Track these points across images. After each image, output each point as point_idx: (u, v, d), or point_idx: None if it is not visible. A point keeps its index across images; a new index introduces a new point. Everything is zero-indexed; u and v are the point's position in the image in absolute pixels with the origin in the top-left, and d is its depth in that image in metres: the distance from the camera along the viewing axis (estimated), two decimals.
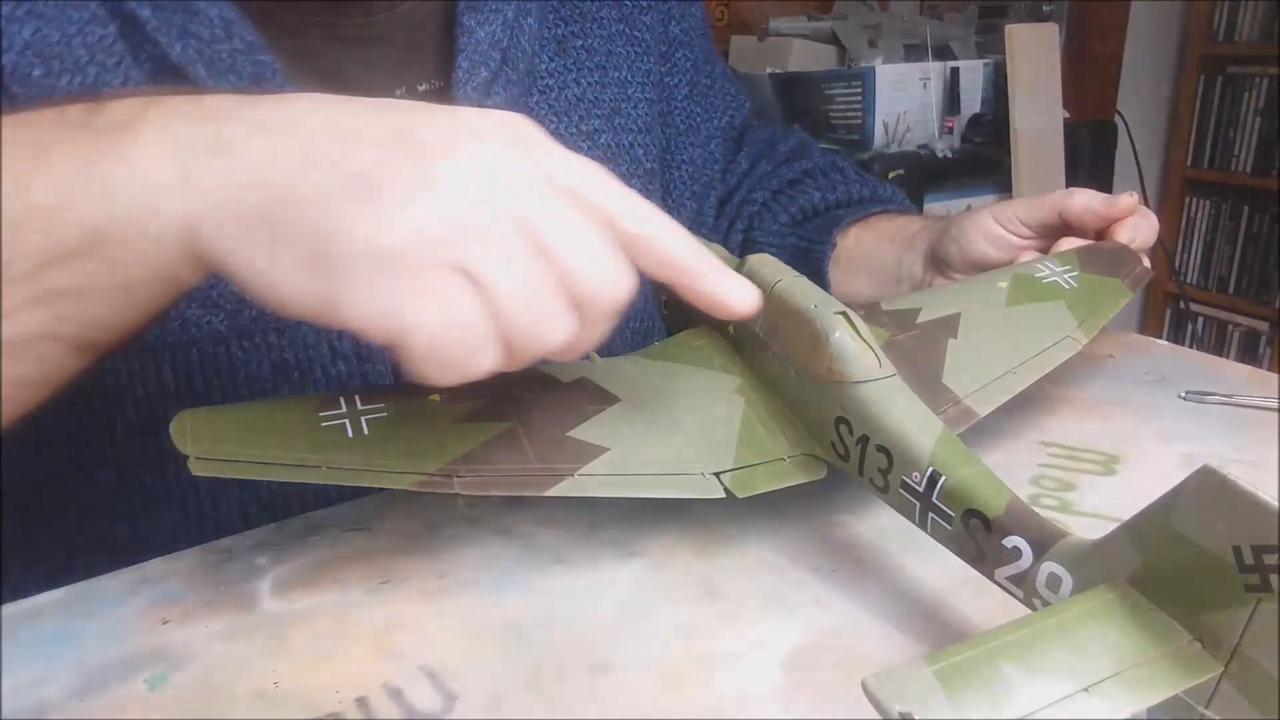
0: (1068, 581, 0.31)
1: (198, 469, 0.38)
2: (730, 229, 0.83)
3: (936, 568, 0.40)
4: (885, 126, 2.03)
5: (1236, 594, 0.26)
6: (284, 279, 0.34)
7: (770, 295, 0.45)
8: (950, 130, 2.14)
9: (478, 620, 0.40)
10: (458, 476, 0.40)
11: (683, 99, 0.76)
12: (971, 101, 2.16)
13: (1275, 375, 0.59)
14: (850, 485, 0.44)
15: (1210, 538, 0.26)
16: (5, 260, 0.34)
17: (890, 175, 1.94)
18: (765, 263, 0.47)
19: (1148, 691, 0.26)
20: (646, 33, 0.71)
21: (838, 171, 0.83)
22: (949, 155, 2.08)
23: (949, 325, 0.51)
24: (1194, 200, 2.72)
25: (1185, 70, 2.65)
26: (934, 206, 2.00)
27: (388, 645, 0.38)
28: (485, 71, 0.59)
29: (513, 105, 0.60)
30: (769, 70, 2.16)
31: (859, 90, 2.04)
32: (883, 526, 0.44)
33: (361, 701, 0.35)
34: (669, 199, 0.77)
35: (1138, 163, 2.52)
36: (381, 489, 0.47)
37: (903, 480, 0.38)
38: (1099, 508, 0.46)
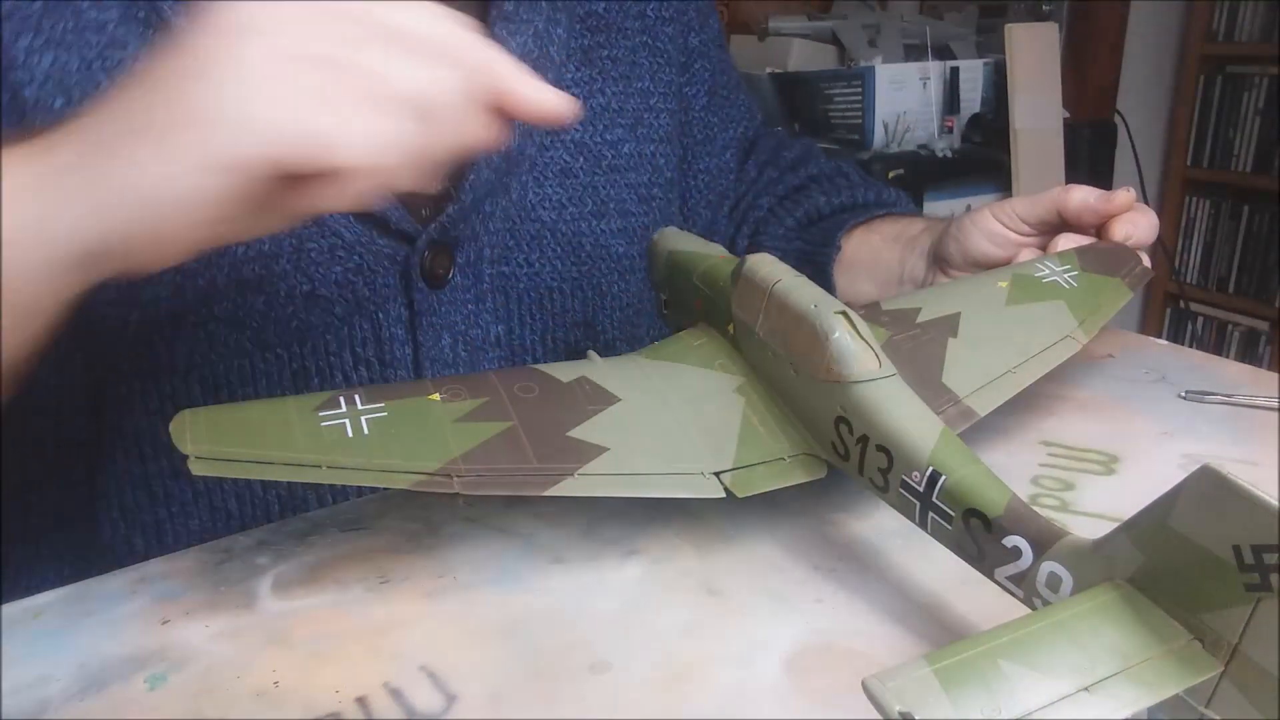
0: (1068, 581, 0.31)
1: (197, 468, 0.38)
2: (737, 234, 0.84)
3: (936, 567, 0.40)
4: (885, 126, 2.03)
5: (1236, 593, 0.26)
6: (176, 189, 0.35)
7: (770, 295, 0.45)
8: (950, 130, 2.14)
9: (477, 619, 0.40)
10: (457, 476, 0.40)
11: (700, 109, 0.77)
12: (971, 101, 2.16)
13: (1275, 375, 0.59)
14: (850, 485, 0.44)
15: (1210, 537, 0.26)
16: None
17: (890, 175, 1.94)
18: (765, 263, 0.47)
19: (1148, 691, 0.26)
20: (669, 43, 0.72)
21: (842, 176, 0.84)
22: (949, 155, 2.08)
23: (949, 325, 0.51)
24: (1194, 200, 2.72)
25: (1185, 70, 2.65)
26: (934, 206, 2.00)
27: (388, 645, 0.38)
28: None
29: None
30: (769, 70, 2.16)
31: (859, 90, 2.04)
32: (883, 526, 0.44)
33: (361, 701, 0.35)
34: (686, 208, 0.78)
35: (1138, 163, 2.52)
36: (381, 488, 0.48)
37: (903, 480, 0.38)
38: (1099, 508, 0.46)
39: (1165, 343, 0.67)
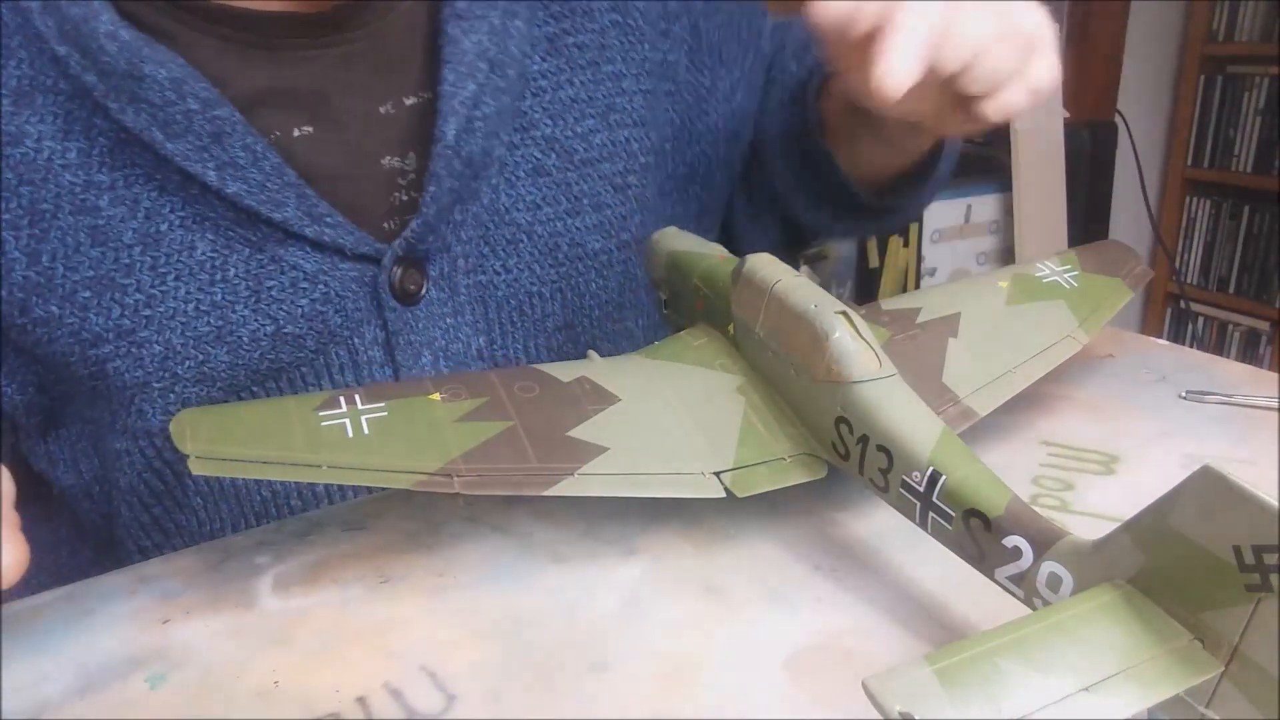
0: (1068, 581, 0.31)
1: (197, 468, 0.38)
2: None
3: (936, 567, 0.40)
4: None
5: (1237, 594, 0.26)
6: None
7: (770, 295, 0.45)
8: None
9: (477, 619, 0.40)
10: (457, 476, 0.40)
11: (685, 71, 0.70)
12: None
13: (1275, 375, 0.59)
14: (850, 484, 0.44)
15: (1210, 537, 0.26)
16: None
17: None
18: (765, 263, 0.47)
19: (1148, 691, 0.26)
20: (640, 17, 0.67)
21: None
22: None
23: (949, 325, 0.51)
24: (1194, 200, 2.72)
25: (1185, 70, 2.65)
26: (934, 206, 2.00)
27: (387, 644, 0.38)
28: (473, 84, 0.56)
29: (504, 112, 0.59)
30: None
31: None
32: (883, 526, 0.44)
33: (361, 701, 0.35)
34: (697, 178, 0.72)
35: (1138, 163, 2.52)
36: (381, 488, 0.48)
37: (903, 480, 0.38)
38: (1099, 508, 0.46)
39: (1165, 343, 0.66)
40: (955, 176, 0.75)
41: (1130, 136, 2.51)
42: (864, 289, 2.36)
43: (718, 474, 0.43)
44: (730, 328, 0.49)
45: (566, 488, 0.41)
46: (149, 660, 0.38)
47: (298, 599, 0.41)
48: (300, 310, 0.55)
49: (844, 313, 0.42)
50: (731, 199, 0.78)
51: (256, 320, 0.55)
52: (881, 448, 0.39)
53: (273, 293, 0.55)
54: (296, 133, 0.55)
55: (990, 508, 0.34)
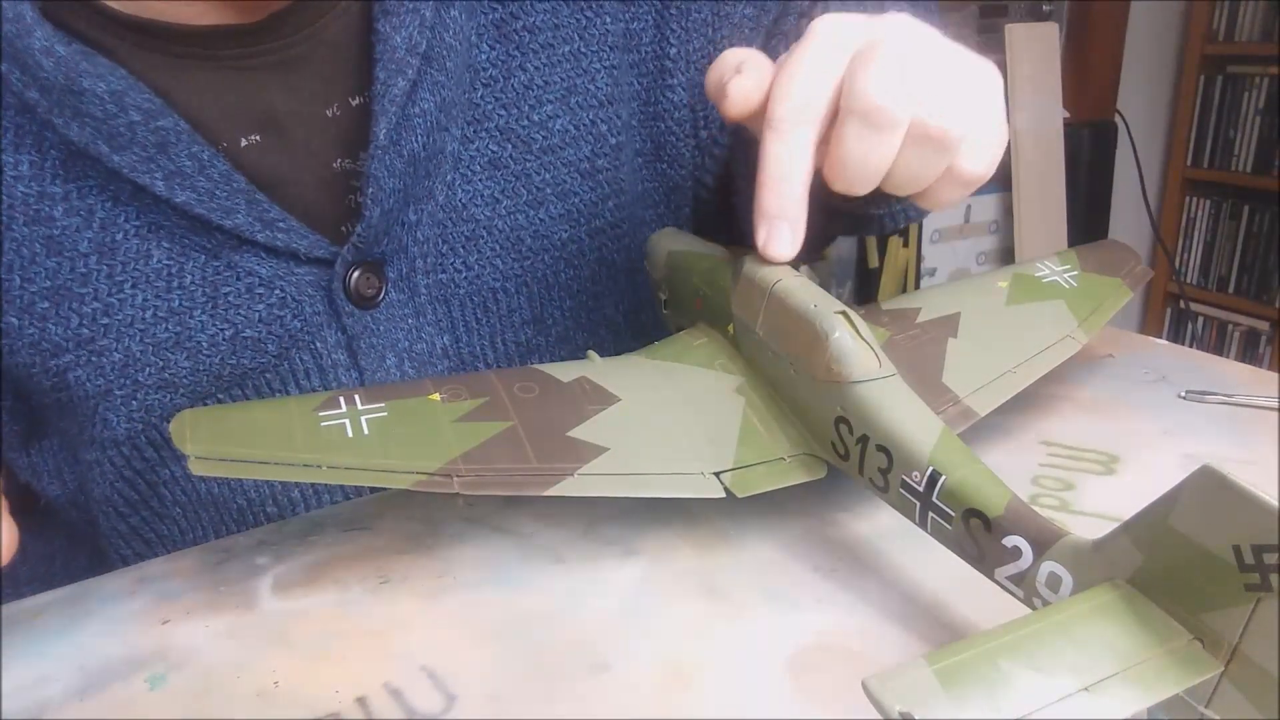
0: (1068, 581, 0.31)
1: (197, 469, 0.38)
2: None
3: (936, 567, 0.40)
4: None
5: (1236, 593, 0.26)
6: None
7: (770, 295, 0.45)
8: None
9: (478, 619, 0.40)
10: (457, 476, 0.40)
11: (650, 41, 0.66)
12: None
13: (1275, 375, 0.59)
14: (850, 485, 0.44)
15: (1210, 537, 0.26)
16: None
17: None
18: (765, 262, 0.46)
19: (1148, 690, 0.26)
20: None
21: None
22: None
23: (949, 325, 0.51)
24: (1194, 200, 2.73)
25: (1185, 70, 2.65)
26: None
27: (388, 645, 0.38)
28: (403, 80, 0.55)
29: (450, 105, 0.58)
30: None
31: None
32: (883, 526, 0.44)
33: (361, 701, 0.35)
34: (664, 155, 0.69)
35: (1138, 163, 2.53)
36: (381, 488, 0.48)
37: (903, 480, 0.38)
38: (1099, 508, 0.46)
39: (1165, 343, 0.66)
40: None
41: (1130, 136, 2.51)
42: (864, 289, 2.37)
43: (718, 474, 0.42)
44: (730, 328, 0.49)
45: (566, 488, 0.41)
46: (149, 660, 0.38)
47: (298, 599, 0.41)
48: (257, 315, 0.55)
49: (844, 313, 0.42)
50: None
51: (215, 325, 0.55)
52: (881, 448, 0.39)
53: (229, 298, 0.55)
54: (244, 141, 0.54)
55: (990, 508, 0.34)
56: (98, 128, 0.50)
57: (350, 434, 0.40)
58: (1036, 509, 0.34)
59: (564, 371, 0.47)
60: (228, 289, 0.54)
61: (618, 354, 0.50)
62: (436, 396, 0.43)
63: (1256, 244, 2.59)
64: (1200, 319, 2.75)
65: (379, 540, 0.45)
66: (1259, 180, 2.52)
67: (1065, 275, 0.56)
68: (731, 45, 0.57)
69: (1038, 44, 2.20)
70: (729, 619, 0.39)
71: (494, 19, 0.61)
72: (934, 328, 0.51)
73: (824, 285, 0.46)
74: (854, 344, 0.41)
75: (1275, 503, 0.24)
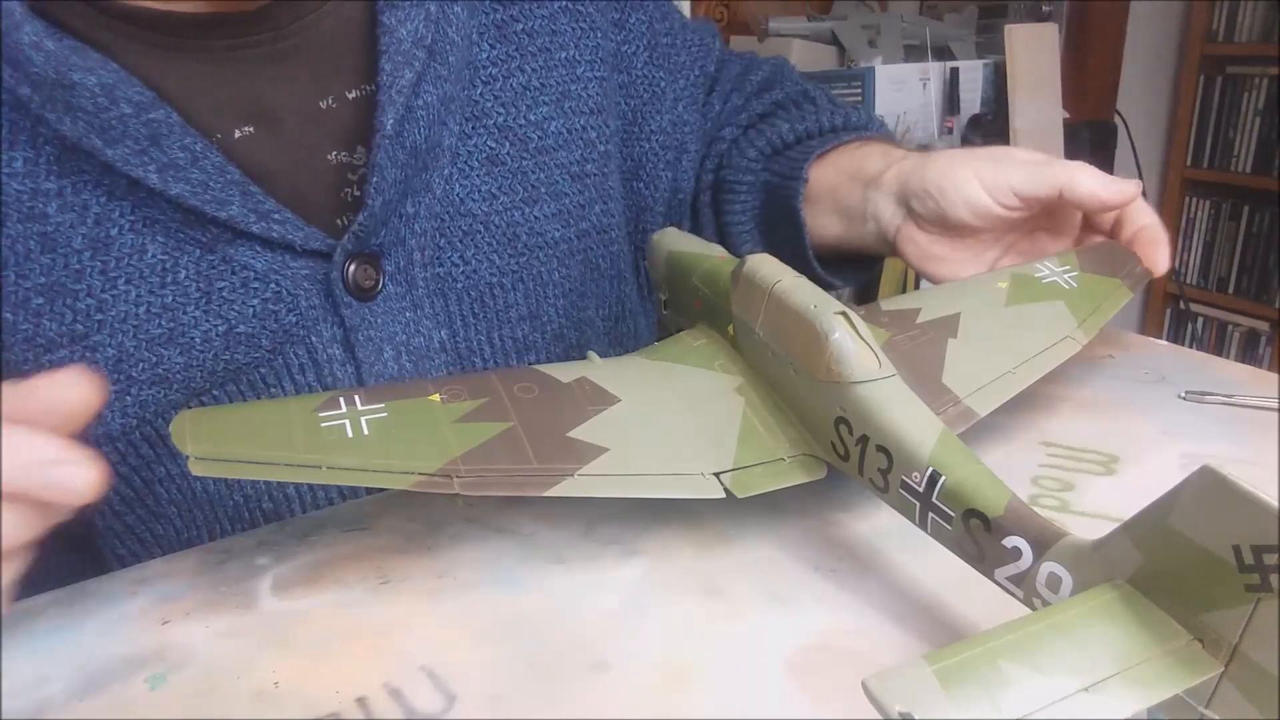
0: (1068, 581, 0.31)
1: (197, 469, 0.38)
2: (702, 169, 0.78)
3: (936, 568, 0.40)
4: None
5: (1236, 594, 0.26)
6: None
7: (770, 295, 0.45)
8: (950, 130, 2.14)
9: (478, 619, 0.40)
10: (457, 476, 0.40)
11: (642, 66, 0.71)
12: (971, 101, 2.16)
13: (1275, 375, 0.59)
14: (850, 485, 0.44)
15: (1210, 537, 0.26)
16: None
17: None
18: (765, 263, 0.47)
19: (1148, 691, 0.26)
20: (591, 6, 0.67)
21: (809, 101, 0.78)
22: None
23: (949, 325, 0.51)
24: (1194, 200, 2.73)
25: (1185, 70, 2.65)
26: None
27: (388, 645, 0.38)
28: (410, 72, 0.55)
29: (451, 100, 0.58)
30: None
31: (858, 91, 2.04)
32: (883, 526, 0.44)
33: (361, 701, 0.35)
34: (641, 174, 0.72)
35: (1138, 163, 2.52)
36: (381, 489, 0.48)
37: (903, 480, 0.38)
38: (1099, 508, 0.46)
39: (1165, 343, 0.66)
40: None
41: (1130, 136, 2.51)
42: (864, 289, 2.36)
43: (718, 475, 0.42)
44: (730, 328, 0.49)
45: (566, 488, 0.41)
46: (149, 661, 0.38)
47: (298, 599, 0.41)
48: (252, 309, 0.55)
49: (844, 313, 0.42)
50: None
51: (208, 321, 0.54)
52: (881, 448, 0.39)
53: (223, 293, 0.55)
54: (238, 133, 0.54)
55: (990, 508, 0.34)
56: (90, 121, 0.49)
57: (350, 434, 0.40)
58: (1036, 509, 0.34)
59: (564, 372, 0.47)
60: (222, 284, 0.54)
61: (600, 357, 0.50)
62: (436, 397, 0.43)
63: (1256, 244, 2.60)
64: (1200, 319, 2.75)
65: (379, 540, 0.45)
66: (1259, 180, 2.53)
67: (1065, 276, 0.56)
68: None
69: (1037, 44, 2.20)
70: (729, 619, 0.39)
71: (495, 19, 0.62)
72: (934, 328, 0.51)
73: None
74: (854, 344, 0.41)
75: (1275, 503, 0.24)
